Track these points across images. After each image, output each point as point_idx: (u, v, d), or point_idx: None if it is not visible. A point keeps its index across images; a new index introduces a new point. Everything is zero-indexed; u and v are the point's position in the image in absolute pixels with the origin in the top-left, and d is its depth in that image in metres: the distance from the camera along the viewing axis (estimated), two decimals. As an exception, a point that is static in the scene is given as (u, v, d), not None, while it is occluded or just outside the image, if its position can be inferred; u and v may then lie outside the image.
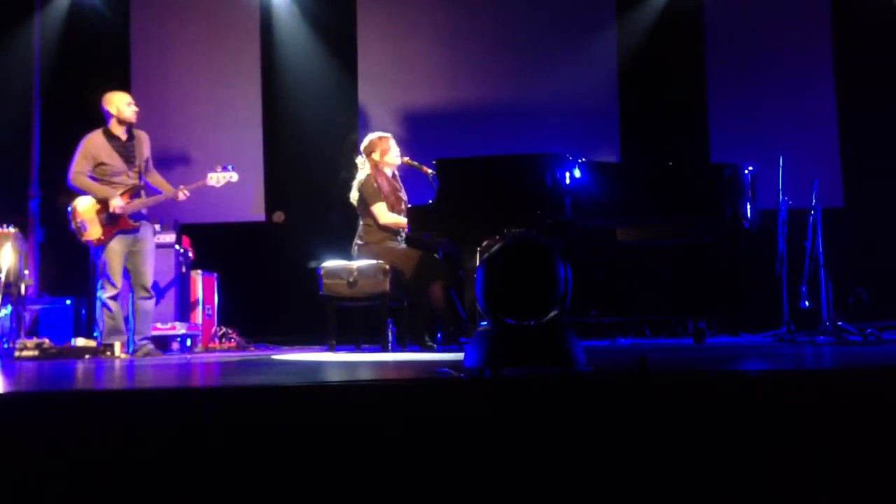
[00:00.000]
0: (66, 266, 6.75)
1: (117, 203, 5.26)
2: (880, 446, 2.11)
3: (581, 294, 2.74)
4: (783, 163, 5.40)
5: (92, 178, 5.34)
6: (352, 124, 7.40)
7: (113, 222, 5.31)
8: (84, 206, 5.32)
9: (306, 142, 7.52)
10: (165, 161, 6.95)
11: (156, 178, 5.56)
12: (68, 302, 6.33)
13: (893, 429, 2.12)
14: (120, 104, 5.41)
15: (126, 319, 5.46)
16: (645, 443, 2.12)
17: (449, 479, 2.10)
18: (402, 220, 5.24)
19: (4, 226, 5.68)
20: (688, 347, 4.85)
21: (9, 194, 6.92)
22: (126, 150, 5.41)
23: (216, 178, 5.55)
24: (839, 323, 5.11)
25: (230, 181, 5.61)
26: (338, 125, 7.45)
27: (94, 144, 5.36)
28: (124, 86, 7.38)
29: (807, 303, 5.30)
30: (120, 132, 5.41)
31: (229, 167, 5.61)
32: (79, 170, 5.32)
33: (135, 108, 5.45)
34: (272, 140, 7.58)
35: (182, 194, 5.46)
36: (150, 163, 5.58)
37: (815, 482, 2.10)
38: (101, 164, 5.33)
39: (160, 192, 5.52)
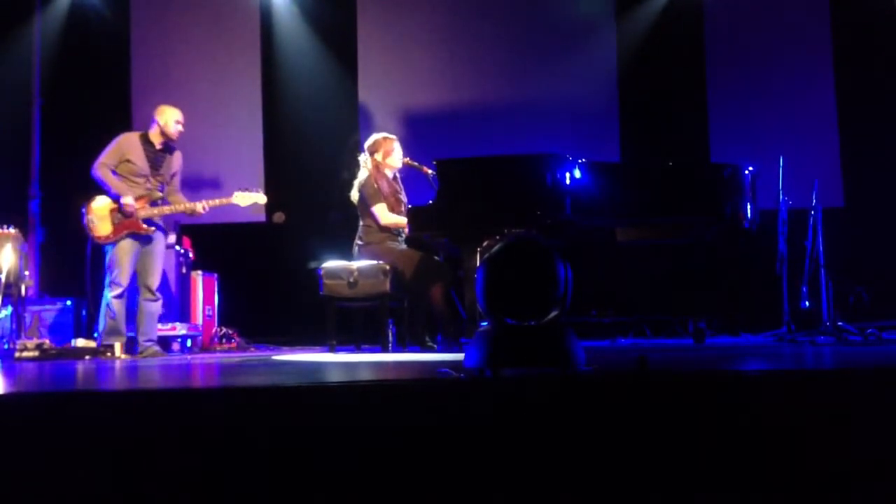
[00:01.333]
0: (67, 267, 6.75)
1: (129, 201, 5.29)
2: (880, 447, 2.11)
3: (581, 294, 2.74)
4: (783, 163, 5.40)
5: (115, 174, 5.38)
6: (352, 124, 7.40)
7: (124, 223, 5.32)
8: (99, 204, 5.36)
9: (306, 142, 7.52)
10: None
11: (176, 197, 5.57)
12: (69, 303, 6.32)
13: (893, 429, 2.12)
14: (169, 118, 5.48)
15: (130, 321, 5.47)
16: (645, 443, 2.12)
17: (449, 480, 2.10)
18: (402, 221, 5.24)
19: (5, 227, 5.68)
20: (688, 347, 4.86)
21: (9, 195, 6.91)
22: (156, 157, 5.48)
23: (242, 198, 5.57)
24: (839, 323, 5.11)
25: (257, 203, 5.63)
26: (338, 125, 7.45)
27: (127, 141, 5.45)
28: (124, 86, 7.42)
29: (807, 303, 5.30)
30: (157, 141, 5.48)
31: (258, 189, 5.64)
32: (105, 161, 5.38)
33: (181, 128, 5.52)
34: (272, 140, 7.58)
35: (202, 207, 5.46)
36: (178, 181, 5.62)
37: (814, 482, 2.10)
38: (127, 161, 5.38)
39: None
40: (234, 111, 7.54)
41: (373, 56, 7.57)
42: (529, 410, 2.16)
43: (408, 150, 5.69)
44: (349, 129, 7.29)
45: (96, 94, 7.36)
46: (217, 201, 5.55)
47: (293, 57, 7.67)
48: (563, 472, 2.10)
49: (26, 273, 5.89)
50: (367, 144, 5.52)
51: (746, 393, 2.22)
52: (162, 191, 5.50)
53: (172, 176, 5.56)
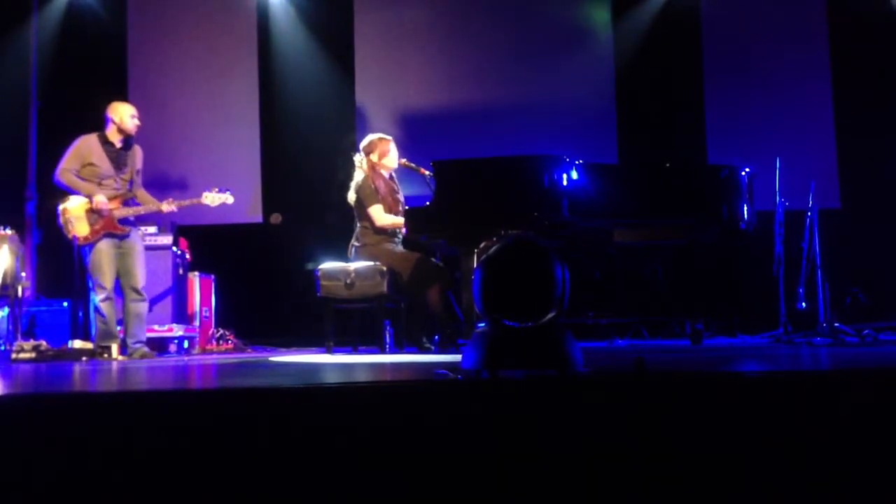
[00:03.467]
0: (63, 268, 6.72)
1: (101, 199, 5.27)
2: (878, 448, 2.12)
3: (578, 295, 2.74)
4: (780, 164, 5.41)
5: (79, 178, 5.36)
6: (349, 126, 7.41)
7: (101, 223, 5.31)
8: (74, 205, 5.35)
9: (303, 143, 7.52)
10: (162, 162, 6.94)
11: (142, 194, 5.56)
12: (65, 304, 6.31)
13: (890, 430, 2.13)
14: (124, 114, 5.47)
15: (119, 322, 5.46)
16: (642, 444, 2.12)
17: (447, 481, 2.10)
18: (399, 221, 5.24)
19: (1, 228, 5.68)
20: (685, 349, 4.86)
21: (6, 196, 6.91)
22: (118, 157, 5.46)
23: (212, 198, 5.60)
24: (836, 324, 5.11)
25: (225, 202, 5.66)
26: (335, 127, 7.45)
27: (86, 145, 5.41)
28: (121, 87, 7.42)
29: (804, 304, 5.31)
30: (116, 140, 5.45)
31: (227, 190, 5.67)
32: (66, 167, 5.37)
33: (137, 122, 5.51)
34: (269, 141, 7.58)
35: (167, 206, 5.46)
36: (140, 178, 5.60)
37: (812, 483, 2.10)
38: (90, 164, 5.37)
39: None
40: (230, 112, 7.54)
41: (370, 57, 7.58)
42: (527, 412, 2.16)
43: (405, 151, 5.69)
44: (346, 130, 7.30)
45: (93, 96, 7.34)
46: (187, 202, 5.58)
47: (290, 58, 7.67)
48: (560, 473, 2.10)
49: (23, 274, 5.88)
50: (362, 145, 5.52)
51: (744, 394, 2.22)
52: (130, 189, 5.49)
53: (137, 173, 5.55)
